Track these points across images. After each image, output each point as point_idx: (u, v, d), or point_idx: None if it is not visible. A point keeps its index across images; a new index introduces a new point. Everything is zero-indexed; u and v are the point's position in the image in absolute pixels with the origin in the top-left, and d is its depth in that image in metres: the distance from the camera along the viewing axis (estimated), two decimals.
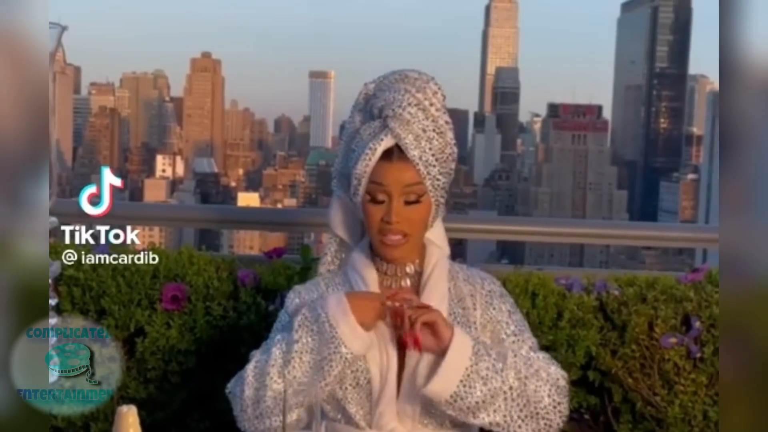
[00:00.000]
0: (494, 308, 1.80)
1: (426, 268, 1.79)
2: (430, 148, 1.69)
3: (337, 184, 1.84)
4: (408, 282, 1.80)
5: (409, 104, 1.68)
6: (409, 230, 1.72)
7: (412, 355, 1.70)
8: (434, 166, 1.70)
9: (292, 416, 1.69)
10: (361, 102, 1.78)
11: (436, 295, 1.76)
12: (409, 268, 1.79)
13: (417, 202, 1.71)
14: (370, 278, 1.78)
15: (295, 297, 1.82)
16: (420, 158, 1.68)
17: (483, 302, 1.80)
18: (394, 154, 1.69)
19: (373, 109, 1.73)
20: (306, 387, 1.68)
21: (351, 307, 1.67)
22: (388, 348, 1.72)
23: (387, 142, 1.69)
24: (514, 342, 1.79)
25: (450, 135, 1.73)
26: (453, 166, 1.75)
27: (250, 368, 1.72)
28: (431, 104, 1.70)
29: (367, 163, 1.69)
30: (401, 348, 1.72)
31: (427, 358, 1.69)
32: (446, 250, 1.86)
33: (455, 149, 1.75)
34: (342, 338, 1.66)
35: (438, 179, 1.72)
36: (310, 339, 1.69)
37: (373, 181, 1.70)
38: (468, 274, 1.84)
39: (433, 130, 1.70)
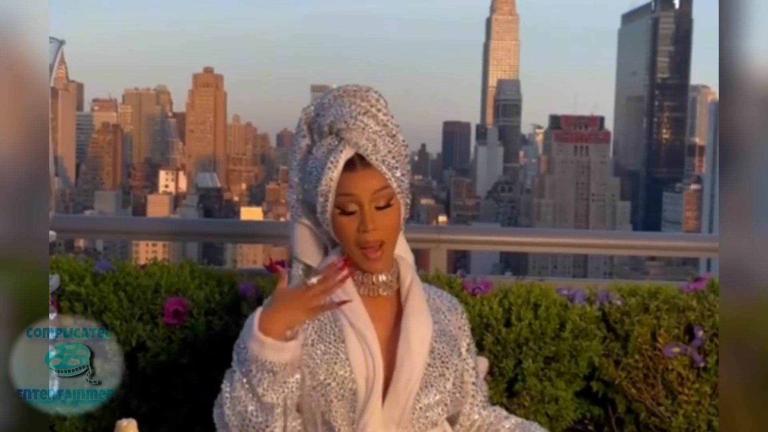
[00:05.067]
0: (463, 339, 1.87)
1: (404, 282, 1.81)
2: (389, 152, 1.72)
3: (300, 211, 1.82)
4: (386, 292, 1.80)
5: (359, 113, 1.71)
6: (385, 238, 1.73)
7: (401, 360, 1.71)
8: (396, 168, 1.73)
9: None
10: (303, 128, 1.79)
11: (421, 307, 1.79)
12: (384, 277, 1.79)
13: (388, 206, 1.73)
14: (349, 288, 1.76)
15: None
16: (383, 162, 1.71)
17: (458, 324, 1.87)
18: (357, 163, 1.71)
19: (322, 127, 1.74)
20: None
21: (260, 321, 1.68)
22: (374, 357, 1.71)
23: (347, 153, 1.70)
24: (473, 383, 1.87)
25: (401, 137, 1.75)
26: (409, 167, 1.79)
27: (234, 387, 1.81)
28: (378, 110, 1.73)
29: (331, 177, 1.70)
30: (385, 356, 1.72)
31: (419, 365, 1.71)
32: (411, 259, 1.90)
33: (408, 150, 1.79)
34: (256, 355, 1.67)
35: (402, 180, 1.74)
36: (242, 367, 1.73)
37: (341, 193, 1.70)
38: (436, 291, 1.91)
39: (386, 135, 1.72)
